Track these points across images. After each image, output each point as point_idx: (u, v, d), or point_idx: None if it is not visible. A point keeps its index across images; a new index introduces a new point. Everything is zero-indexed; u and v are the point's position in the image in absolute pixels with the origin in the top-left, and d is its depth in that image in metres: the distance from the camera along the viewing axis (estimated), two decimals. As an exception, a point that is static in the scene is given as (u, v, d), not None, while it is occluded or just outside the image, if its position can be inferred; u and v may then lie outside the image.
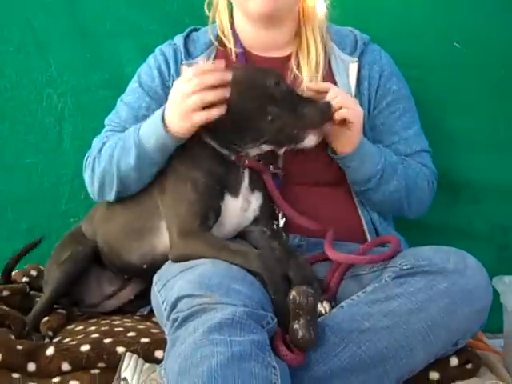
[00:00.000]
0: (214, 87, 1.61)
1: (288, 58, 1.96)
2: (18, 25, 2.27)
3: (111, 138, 1.87)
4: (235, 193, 1.74)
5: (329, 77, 1.94)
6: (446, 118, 2.24)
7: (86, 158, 1.92)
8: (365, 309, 1.58)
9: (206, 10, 2.00)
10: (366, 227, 1.93)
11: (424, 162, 1.97)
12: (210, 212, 1.69)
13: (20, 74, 2.27)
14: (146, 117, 1.85)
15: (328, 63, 1.96)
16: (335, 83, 1.93)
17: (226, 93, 1.61)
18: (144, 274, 1.82)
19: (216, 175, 1.71)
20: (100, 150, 1.86)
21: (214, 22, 2.01)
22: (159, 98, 1.94)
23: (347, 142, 1.81)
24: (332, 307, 1.65)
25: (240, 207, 1.75)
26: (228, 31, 1.98)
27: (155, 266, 1.75)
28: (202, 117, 1.63)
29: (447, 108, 2.24)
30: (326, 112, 1.69)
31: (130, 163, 1.76)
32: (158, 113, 1.73)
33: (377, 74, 1.96)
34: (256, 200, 1.78)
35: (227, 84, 1.62)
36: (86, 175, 1.90)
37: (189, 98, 1.62)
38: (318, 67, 1.92)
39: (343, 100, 1.74)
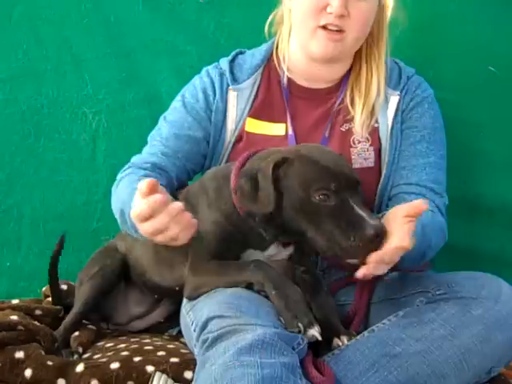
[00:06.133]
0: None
1: (332, 89, 1.94)
2: (56, 44, 2.30)
3: (126, 178, 1.82)
4: (261, 248, 1.69)
5: None
6: (481, 141, 2.21)
7: (118, 176, 1.90)
8: (396, 333, 1.56)
9: (266, 33, 1.99)
10: None
11: (431, 198, 1.85)
12: (225, 258, 1.67)
13: (57, 92, 2.31)
14: (188, 137, 1.88)
15: None
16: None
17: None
18: (176, 294, 1.80)
19: (240, 234, 1.67)
20: (118, 183, 1.84)
21: (260, 44, 2.01)
22: (201, 119, 1.93)
23: None
24: (359, 333, 1.62)
25: (266, 257, 1.70)
26: (285, 53, 1.94)
27: None
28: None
29: (483, 131, 2.21)
30: (369, 246, 1.47)
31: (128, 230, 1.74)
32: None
33: (405, 105, 1.93)
34: (287, 251, 1.73)
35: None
36: None
37: (143, 225, 1.51)
38: (374, 110, 1.90)
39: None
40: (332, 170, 1.55)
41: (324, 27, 1.81)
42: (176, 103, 1.98)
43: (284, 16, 1.95)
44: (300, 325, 1.48)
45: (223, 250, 1.66)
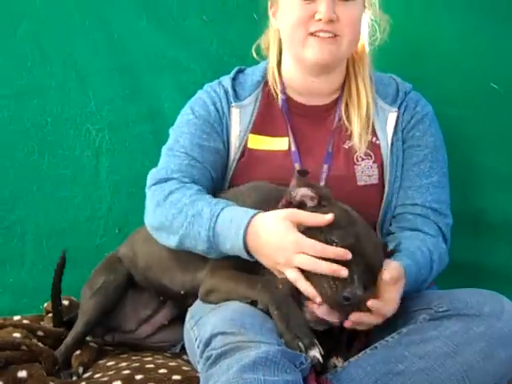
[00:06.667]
0: None
1: (330, 106, 1.96)
2: (61, 60, 2.30)
3: (179, 192, 1.78)
4: None
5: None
6: (483, 156, 2.21)
7: (149, 185, 1.86)
8: (399, 351, 1.56)
9: (254, 54, 2.02)
10: None
11: (435, 220, 1.88)
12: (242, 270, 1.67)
13: (61, 109, 2.31)
14: (211, 148, 1.89)
15: None
16: (374, 131, 1.92)
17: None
18: (180, 298, 1.83)
19: None
20: (166, 198, 1.78)
21: (258, 62, 2.02)
22: (217, 132, 1.92)
23: None
24: (361, 350, 1.62)
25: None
26: (276, 77, 1.96)
27: (192, 293, 1.75)
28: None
29: (485, 147, 2.21)
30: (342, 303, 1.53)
31: (196, 247, 1.72)
32: (243, 222, 1.62)
33: (405, 122, 1.94)
34: None
35: None
36: (148, 204, 1.85)
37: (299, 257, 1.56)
38: (368, 121, 1.91)
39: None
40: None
41: (314, 35, 1.82)
42: (186, 116, 1.96)
43: (271, 38, 1.98)
44: (301, 345, 1.47)
45: (240, 262, 1.66)
